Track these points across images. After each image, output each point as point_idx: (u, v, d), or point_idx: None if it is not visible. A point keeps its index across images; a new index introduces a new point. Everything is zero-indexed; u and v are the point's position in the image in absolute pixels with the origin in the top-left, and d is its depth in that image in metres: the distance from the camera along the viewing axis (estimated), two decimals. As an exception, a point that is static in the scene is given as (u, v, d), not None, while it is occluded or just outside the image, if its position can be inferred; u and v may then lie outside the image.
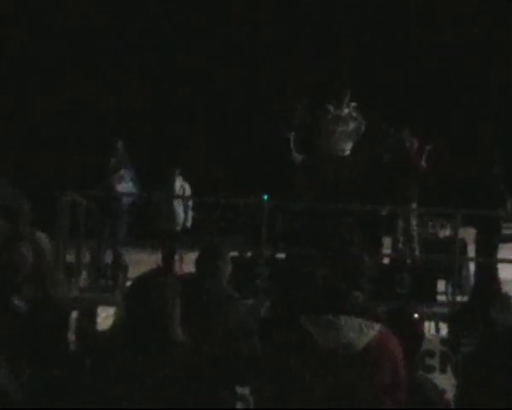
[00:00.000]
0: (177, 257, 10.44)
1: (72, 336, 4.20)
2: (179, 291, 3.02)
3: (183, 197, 10.94)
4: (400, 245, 10.15)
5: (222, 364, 3.12)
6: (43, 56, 16.71)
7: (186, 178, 11.12)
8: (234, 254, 9.21)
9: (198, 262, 4.81)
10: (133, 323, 2.92)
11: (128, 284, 6.96)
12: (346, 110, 10.16)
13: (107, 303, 7.78)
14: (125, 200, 9.96)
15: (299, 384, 2.99)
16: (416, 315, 4.24)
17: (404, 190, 9.93)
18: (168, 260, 10.26)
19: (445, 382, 4.95)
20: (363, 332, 3.05)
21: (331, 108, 10.10)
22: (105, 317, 7.33)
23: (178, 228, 10.83)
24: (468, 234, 10.38)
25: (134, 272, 7.79)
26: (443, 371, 6.43)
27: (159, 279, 3.02)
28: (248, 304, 4.79)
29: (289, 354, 3.05)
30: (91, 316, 6.73)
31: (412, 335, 4.01)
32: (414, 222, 10.18)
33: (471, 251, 10.22)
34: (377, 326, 3.10)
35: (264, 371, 3.14)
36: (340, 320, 3.06)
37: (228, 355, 3.23)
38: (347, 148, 10.16)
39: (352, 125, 10.15)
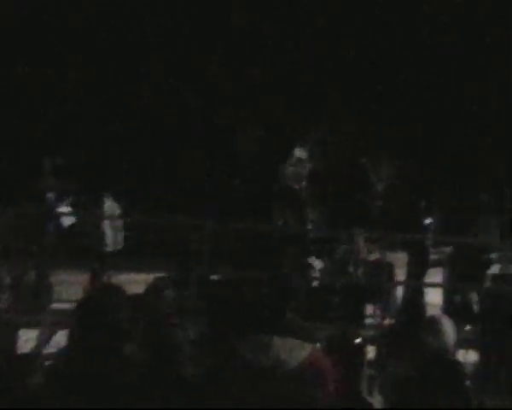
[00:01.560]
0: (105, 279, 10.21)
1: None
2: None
3: (111, 218, 10.74)
4: (333, 269, 10.25)
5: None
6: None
7: (115, 199, 10.94)
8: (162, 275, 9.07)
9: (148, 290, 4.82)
10: (85, 342, 2.78)
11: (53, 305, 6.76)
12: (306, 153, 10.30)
13: (29, 326, 7.51)
14: (54, 219, 9.72)
15: (232, 404, 2.95)
16: (358, 340, 4.25)
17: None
18: (96, 282, 10.02)
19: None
20: (295, 353, 3.03)
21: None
22: (26, 340, 7.06)
23: (109, 249, 10.60)
24: (397, 258, 10.55)
25: (59, 293, 7.59)
26: (370, 393, 6.46)
27: (114, 296, 2.91)
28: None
29: (221, 374, 3.01)
30: (12, 339, 6.47)
31: (354, 359, 4.02)
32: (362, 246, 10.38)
33: (399, 275, 10.38)
34: (309, 347, 3.09)
35: (197, 391, 3.09)
36: (272, 341, 3.04)
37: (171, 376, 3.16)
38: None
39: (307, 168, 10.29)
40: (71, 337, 2.99)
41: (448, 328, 4.27)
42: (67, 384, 2.68)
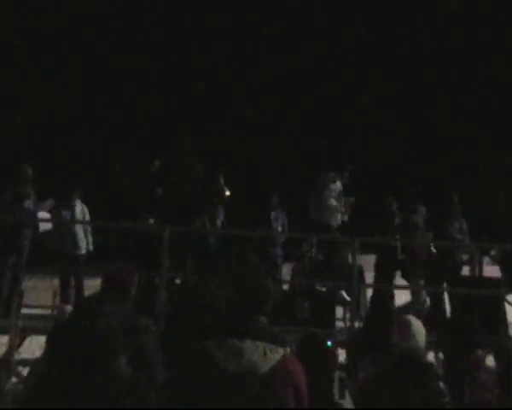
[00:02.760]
0: (73, 283, 10.08)
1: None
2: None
3: (83, 222, 10.60)
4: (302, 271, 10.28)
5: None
6: None
7: (85, 201, 10.82)
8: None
9: (106, 283, 4.74)
10: (72, 353, 2.73)
11: (23, 310, 6.66)
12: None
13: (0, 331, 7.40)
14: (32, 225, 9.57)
15: (204, 408, 2.94)
16: (329, 343, 4.28)
17: None
18: (66, 287, 9.93)
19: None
20: (268, 356, 3.04)
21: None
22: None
23: (82, 252, 10.45)
24: (365, 261, 10.61)
25: (29, 299, 7.51)
26: (341, 396, 6.48)
27: (106, 307, 2.87)
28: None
29: (193, 378, 3.00)
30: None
31: (326, 361, 4.04)
32: None
33: (368, 278, 10.45)
34: (281, 350, 3.10)
35: (169, 396, 3.08)
36: (244, 344, 3.04)
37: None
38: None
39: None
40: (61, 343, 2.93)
41: (419, 329, 4.31)
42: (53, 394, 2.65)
